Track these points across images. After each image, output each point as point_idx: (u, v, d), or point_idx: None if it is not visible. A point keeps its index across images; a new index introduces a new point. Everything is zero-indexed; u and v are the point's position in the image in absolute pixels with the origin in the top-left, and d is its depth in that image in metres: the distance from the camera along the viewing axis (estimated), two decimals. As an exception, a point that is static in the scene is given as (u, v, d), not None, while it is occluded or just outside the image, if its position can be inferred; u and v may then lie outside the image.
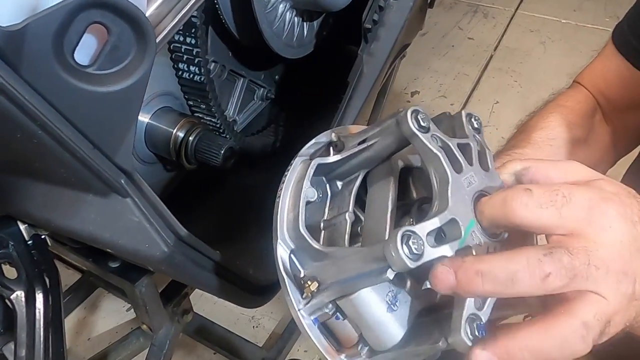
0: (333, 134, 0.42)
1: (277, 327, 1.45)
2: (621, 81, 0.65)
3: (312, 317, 0.35)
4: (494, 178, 0.38)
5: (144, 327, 0.77)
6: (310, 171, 0.39)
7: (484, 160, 0.38)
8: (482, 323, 0.31)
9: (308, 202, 0.38)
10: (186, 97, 0.69)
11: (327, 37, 0.87)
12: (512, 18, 2.69)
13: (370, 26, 0.74)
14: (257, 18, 0.69)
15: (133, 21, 0.39)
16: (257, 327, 1.47)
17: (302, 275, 0.35)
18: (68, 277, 1.45)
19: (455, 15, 2.71)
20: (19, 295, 0.50)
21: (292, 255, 0.36)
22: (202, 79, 0.65)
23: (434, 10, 2.22)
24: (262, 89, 0.93)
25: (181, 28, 0.56)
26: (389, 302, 0.34)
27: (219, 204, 0.53)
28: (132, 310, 1.48)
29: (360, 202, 0.40)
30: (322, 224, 0.39)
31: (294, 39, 0.80)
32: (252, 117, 0.91)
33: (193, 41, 0.62)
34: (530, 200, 0.32)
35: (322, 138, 0.43)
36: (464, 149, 0.37)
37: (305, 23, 0.82)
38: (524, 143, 0.58)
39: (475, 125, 0.40)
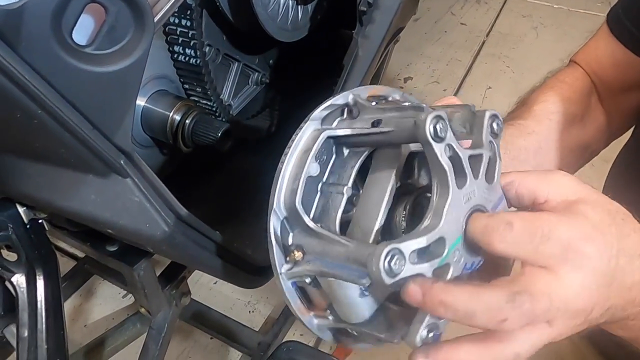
0: (351, 97, 0.40)
1: (273, 311, 1.47)
2: (614, 64, 0.66)
3: (290, 281, 0.37)
4: (495, 191, 0.38)
5: (143, 310, 0.77)
6: (318, 144, 0.37)
7: (491, 172, 0.38)
8: (438, 333, 0.33)
9: (310, 177, 0.37)
10: (182, 80, 0.69)
11: (322, 20, 0.87)
12: (504, 3, 2.69)
13: (365, 9, 0.74)
14: (253, 3, 0.69)
15: (131, 0, 0.39)
16: (253, 312, 1.49)
17: (289, 242, 0.37)
18: (63, 265, 1.45)
19: (448, 1, 2.71)
20: (19, 278, 0.50)
21: (284, 221, 0.37)
22: (198, 62, 0.65)
23: (427, -6, 2.21)
24: (256, 73, 0.93)
25: (176, 10, 0.56)
26: (362, 289, 0.35)
27: (216, 187, 0.54)
28: (128, 297, 1.49)
29: (363, 173, 0.39)
30: (319, 186, 0.38)
31: (289, 22, 0.80)
32: (247, 101, 0.91)
33: (188, 23, 0.61)
34: (509, 235, 0.33)
35: (339, 100, 0.40)
36: (475, 159, 0.37)
37: (299, 6, 0.82)
38: (526, 114, 0.60)
39: (496, 130, 0.38)
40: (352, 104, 0.40)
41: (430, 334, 0.33)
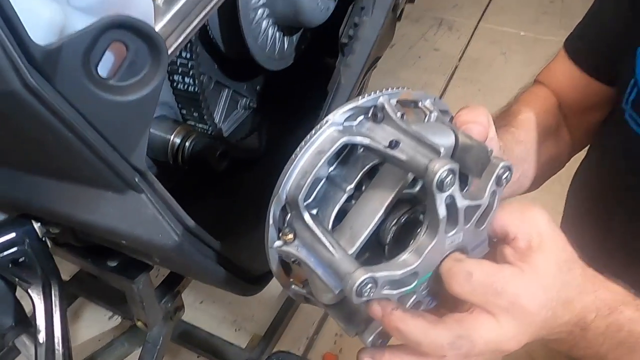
0: (380, 100, 0.40)
1: (259, 329, 1.51)
2: (573, 85, 0.71)
3: (278, 255, 0.42)
4: (481, 234, 0.41)
5: (139, 323, 0.82)
6: (334, 149, 0.38)
7: (483, 219, 0.40)
8: (386, 341, 0.40)
9: (315, 180, 0.39)
10: (180, 106, 0.75)
11: (306, 50, 0.95)
12: (474, 30, 2.84)
13: (346, 41, 0.82)
14: (243, 33, 0.76)
15: (148, 39, 0.46)
16: (239, 330, 1.52)
17: (285, 224, 0.40)
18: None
19: (421, 28, 2.84)
20: (36, 288, 0.55)
21: (285, 206, 0.40)
22: (195, 89, 0.72)
23: (401, 22, 2.33)
24: (244, 98, 1.00)
25: (179, 43, 0.62)
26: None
27: (211, 203, 0.60)
28: (115, 318, 1.51)
29: (370, 172, 0.41)
30: (327, 175, 0.40)
31: (276, 52, 0.88)
32: (237, 124, 0.98)
33: (188, 55, 0.68)
34: (467, 284, 0.38)
35: (368, 102, 0.40)
36: (471, 208, 0.39)
37: (285, 37, 0.90)
38: (514, 122, 0.64)
39: (502, 181, 0.40)
40: (380, 108, 0.40)
41: (380, 340, 0.40)
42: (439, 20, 2.91)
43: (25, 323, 0.61)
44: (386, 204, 0.38)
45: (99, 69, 0.45)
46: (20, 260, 0.57)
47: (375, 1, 0.86)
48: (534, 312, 0.39)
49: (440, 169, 0.35)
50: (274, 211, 0.40)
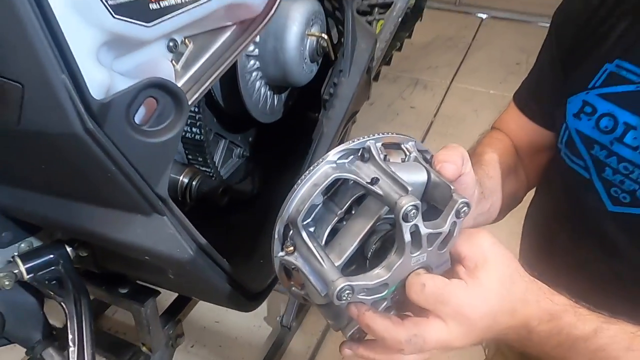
0: (366, 144, 0.49)
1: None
2: (522, 131, 0.83)
3: (281, 263, 0.51)
4: (443, 256, 0.50)
5: (144, 348, 0.91)
6: (327, 183, 0.47)
7: (444, 244, 0.49)
8: (363, 335, 0.52)
9: (312, 206, 0.48)
10: (186, 151, 0.89)
11: (293, 105, 1.11)
12: (448, 89, 3.08)
13: (327, 97, 0.98)
14: (241, 92, 0.91)
15: (174, 95, 0.60)
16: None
17: (287, 239, 0.49)
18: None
19: (398, 87, 3.08)
20: (68, 301, 0.66)
21: (288, 225, 0.49)
22: (201, 138, 0.86)
23: (380, 82, 2.56)
24: (239, 148, 1.15)
25: (190, 100, 0.77)
26: None
27: (212, 235, 0.71)
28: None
29: (359, 200, 0.50)
30: (322, 201, 0.50)
31: (267, 107, 1.03)
32: (232, 170, 1.12)
33: (196, 109, 0.83)
34: (421, 293, 0.48)
35: (358, 145, 0.49)
36: (434, 235, 0.47)
37: (275, 95, 1.06)
38: (482, 161, 0.74)
39: (461, 214, 0.48)
40: (367, 150, 0.49)
41: (357, 335, 0.51)
42: (415, 80, 3.16)
43: (52, 337, 0.71)
44: (367, 228, 0.48)
45: (135, 117, 0.59)
46: (56, 278, 0.68)
47: (352, 65, 1.03)
48: (475, 319, 0.49)
49: (406, 204, 0.44)
50: (278, 229, 0.49)
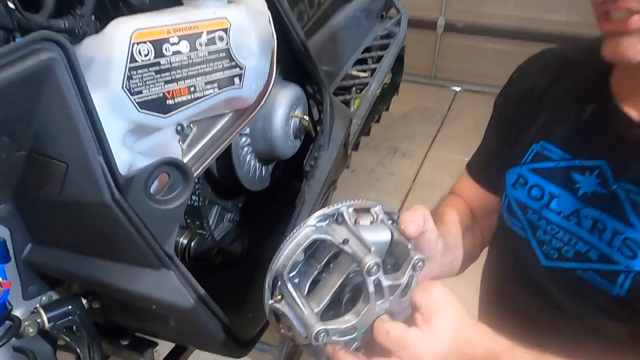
0: (340, 210, 0.59)
1: None
2: (474, 196, 0.97)
3: (271, 309, 0.61)
4: (404, 303, 0.60)
5: (141, 397, 1.00)
6: (307, 243, 0.58)
7: (404, 293, 0.58)
8: None
9: (295, 262, 0.59)
10: (185, 216, 1.03)
11: (279, 175, 1.26)
12: (425, 157, 3.29)
13: (309, 169, 1.14)
14: (234, 165, 1.07)
15: (183, 171, 0.75)
16: None
17: (276, 289, 0.60)
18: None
19: (378, 155, 3.29)
20: (83, 348, 0.77)
21: (276, 277, 0.60)
22: (199, 204, 1.00)
23: (361, 151, 2.76)
24: (230, 213, 1.29)
25: (191, 172, 0.92)
26: None
27: (208, 288, 0.83)
28: None
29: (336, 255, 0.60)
30: (304, 257, 0.60)
31: (256, 177, 1.19)
32: (223, 234, 1.25)
33: (197, 180, 0.98)
34: (386, 338, 0.57)
35: (333, 211, 0.60)
36: (394, 286, 0.57)
37: (263, 167, 1.21)
38: (444, 220, 0.86)
39: (416, 269, 0.58)
40: (340, 215, 0.60)
41: None
42: (394, 148, 3.38)
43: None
44: (340, 281, 0.58)
45: (151, 188, 0.74)
46: (72, 327, 0.79)
47: (330, 140, 1.20)
48: None
49: (369, 262, 0.54)
50: (268, 281, 0.60)
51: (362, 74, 1.90)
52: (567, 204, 0.76)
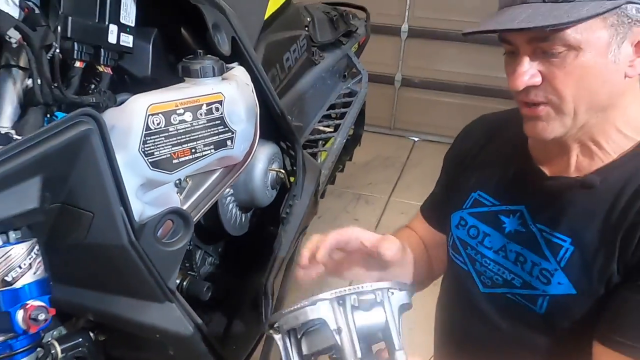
0: (346, 296, 0.69)
1: None
2: (426, 233, 1.16)
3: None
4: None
5: None
6: (305, 320, 0.69)
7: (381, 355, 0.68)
8: None
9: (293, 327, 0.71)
10: (177, 259, 1.17)
11: (257, 222, 1.42)
12: (387, 203, 3.51)
13: (285, 215, 1.31)
14: (219, 213, 1.23)
15: (185, 218, 0.91)
16: None
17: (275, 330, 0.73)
18: None
19: (343, 202, 3.48)
20: (92, 374, 0.90)
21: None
22: (190, 248, 1.15)
23: (326, 199, 2.95)
24: (211, 257, 1.43)
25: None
26: None
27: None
28: None
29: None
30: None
31: (237, 223, 1.35)
32: (205, 276, 1.39)
33: (188, 226, 1.13)
34: None
35: (339, 294, 0.69)
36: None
37: (243, 214, 1.37)
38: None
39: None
40: (342, 297, 0.69)
41: None
42: (357, 195, 3.59)
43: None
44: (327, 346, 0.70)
45: (158, 234, 0.89)
46: (81, 358, 0.91)
47: (303, 191, 1.38)
48: None
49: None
50: (267, 325, 0.73)
51: (327, 129, 2.11)
52: (496, 241, 0.96)
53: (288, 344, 0.73)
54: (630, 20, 0.72)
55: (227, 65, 1.07)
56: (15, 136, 0.71)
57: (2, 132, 0.70)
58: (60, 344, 0.90)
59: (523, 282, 0.91)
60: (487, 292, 0.99)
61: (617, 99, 0.79)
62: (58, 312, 0.94)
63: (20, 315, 0.67)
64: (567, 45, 0.73)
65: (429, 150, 4.26)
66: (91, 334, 0.94)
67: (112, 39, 0.93)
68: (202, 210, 1.00)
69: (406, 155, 4.26)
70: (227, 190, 1.28)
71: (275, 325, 0.73)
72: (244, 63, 1.13)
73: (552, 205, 0.88)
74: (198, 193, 1.03)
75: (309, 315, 0.71)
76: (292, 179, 1.43)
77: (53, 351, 0.90)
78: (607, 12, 0.71)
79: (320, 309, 0.71)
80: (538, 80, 0.77)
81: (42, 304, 0.69)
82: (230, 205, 1.30)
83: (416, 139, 4.64)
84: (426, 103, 4.42)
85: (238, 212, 1.34)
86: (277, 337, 0.74)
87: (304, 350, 0.73)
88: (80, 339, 0.93)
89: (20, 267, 0.68)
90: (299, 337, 0.73)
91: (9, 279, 0.67)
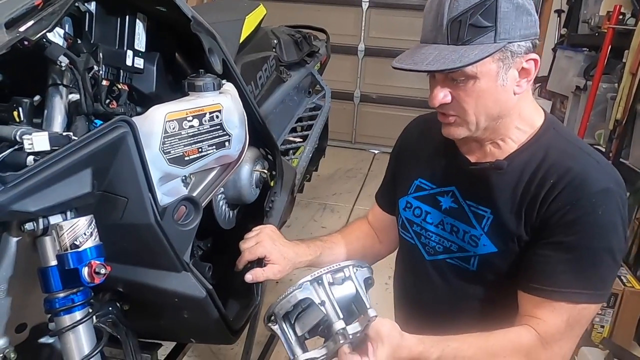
0: (322, 275, 0.98)
1: None
2: (380, 215, 1.48)
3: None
4: (361, 337, 0.96)
5: (146, 392, 1.32)
6: (294, 302, 0.97)
7: (362, 333, 0.94)
8: None
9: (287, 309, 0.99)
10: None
11: (243, 217, 1.67)
12: (351, 211, 3.80)
13: (268, 209, 1.56)
14: (214, 209, 1.47)
15: (196, 204, 1.16)
16: None
17: (272, 321, 1.02)
18: None
19: (310, 211, 3.75)
20: (122, 336, 1.11)
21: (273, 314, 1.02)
22: (191, 236, 1.38)
23: (295, 209, 3.20)
24: (201, 251, 1.66)
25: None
26: None
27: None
28: None
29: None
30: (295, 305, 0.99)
31: (227, 219, 1.59)
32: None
33: (189, 218, 1.37)
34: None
35: (316, 275, 0.99)
36: (355, 333, 0.94)
37: (231, 210, 1.62)
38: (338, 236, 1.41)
39: (371, 320, 0.93)
40: (320, 278, 0.99)
41: None
42: (324, 205, 3.86)
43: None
44: (317, 321, 0.99)
45: (174, 217, 1.13)
46: (112, 321, 1.13)
47: (282, 188, 1.64)
48: None
49: (338, 327, 0.95)
50: (267, 314, 1.04)
51: (297, 139, 2.38)
52: (435, 217, 1.24)
53: (285, 329, 0.98)
54: (512, 54, 1.02)
55: (219, 82, 1.33)
56: (73, 137, 0.94)
57: (64, 134, 0.93)
58: (95, 312, 1.12)
59: (458, 247, 1.19)
60: (431, 260, 1.27)
61: (509, 110, 1.09)
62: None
63: (85, 271, 0.89)
64: (467, 76, 1.02)
65: (389, 161, 4.61)
66: (118, 304, 1.16)
67: (129, 62, 1.18)
68: (204, 202, 1.24)
69: (367, 167, 4.57)
70: (219, 189, 1.53)
71: (272, 318, 0.98)
72: (231, 80, 1.39)
73: (476, 184, 1.17)
74: (200, 187, 1.27)
75: (298, 296, 0.99)
76: (272, 183, 1.69)
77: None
78: (493, 53, 0.99)
79: (304, 289, 0.99)
80: (448, 99, 1.07)
81: (102, 262, 0.91)
82: (221, 202, 1.54)
83: (376, 152, 4.97)
84: (384, 117, 4.78)
85: (227, 209, 1.58)
86: (275, 327, 0.99)
87: (299, 332, 1.00)
88: (110, 308, 1.15)
89: (85, 235, 0.90)
90: (292, 322, 1.00)
91: (77, 242, 0.89)
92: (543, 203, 1.05)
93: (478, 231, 1.15)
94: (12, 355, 0.97)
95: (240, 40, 1.93)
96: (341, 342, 0.94)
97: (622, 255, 1.08)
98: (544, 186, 1.05)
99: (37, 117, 1.02)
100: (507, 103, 1.07)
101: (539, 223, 1.07)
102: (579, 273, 1.03)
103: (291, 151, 2.32)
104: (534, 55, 1.04)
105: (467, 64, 0.97)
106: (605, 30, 3.40)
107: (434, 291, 1.28)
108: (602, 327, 2.51)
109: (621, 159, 3.13)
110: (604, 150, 3.22)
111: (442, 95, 1.06)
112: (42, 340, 1.10)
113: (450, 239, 1.21)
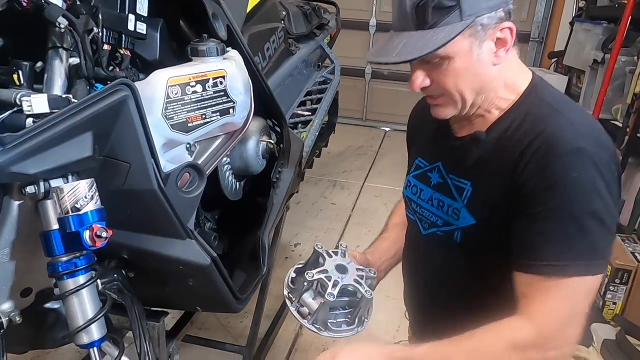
0: (323, 252, 1.18)
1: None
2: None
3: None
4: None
5: (152, 361, 1.33)
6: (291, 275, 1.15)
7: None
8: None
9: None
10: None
11: (250, 189, 1.66)
12: (362, 188, 3.78)
13: (275, 180, 1.55)
14: (220, 179, 1.46)
15: (200, 171, 1.15)
16: None
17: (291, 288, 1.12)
18: None
19: (320, 188, 3.74)
20: (127, 303, 1.11)
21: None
22: (197, 206, 1.38)
23: (305, 185, 3.19)
24: (209, 223, 1.66)
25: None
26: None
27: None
28: None
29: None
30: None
31: (234, 190, 1.58)
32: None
33: (195, 187, 1.36)
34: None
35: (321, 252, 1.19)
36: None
37: (238, 182, 1.61)
38: (386, 229, 1.41)
39: (368, 281, 1.20)
40: (323, 255, 1.19)
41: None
42: (334, 182, 3.85)
43: (111, 331, 1.14)
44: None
45: (178, 183, 1.12)
46: (118, 288, 1.13)
47: (289, 160, 1.62)
48: None
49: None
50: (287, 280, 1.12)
51: (305, 113, 2.36)
52: (427, 194, 1.22)
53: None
54: (484, 28, 0.98)
55: (224, 49, 1.30)
56: (73, 100, 0.92)
57: (64, 96, 0.92)
58: (100, 279, 1.12)
59: (444, 221, 1.17)
60: (426, 234, 1.26)
61: (492, 81, 1.06)
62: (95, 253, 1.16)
63: (87, 234, 0.88)
64: (441, 57, 0.99)
65: (400, 139, 4.52)
66: (124, 272, 1.16)
67: (131, 26, 1.16)
68: (209, 171, 1.23)
69: (378, 145, 4.54)
70: (225, 159, 1.51)
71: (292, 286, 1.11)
72: (237, 47, 1.36)
73: (457, 158, 1.15)
74: (205, 156, 1.26)
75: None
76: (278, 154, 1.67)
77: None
78: (462, 32, 0.96)
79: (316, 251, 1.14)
80: (427, 82, 1.05)
81: (103, 226, 0.90)
82: (228, 173, 1.53)
83: (387, 129, 4.92)
84: (396, 94, 4.72)
85: (234, 180, 1.57)
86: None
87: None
88: (116, 275, 1.15)
89: (86, 198, 0.89)
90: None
91: (78, 206, 0.89)
92: (516, 173, 1.01)
93: (459, 204, 1.13)
94: (18, 319, 0.98)
95: (247, 10, 1.90)
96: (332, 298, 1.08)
97: (615, 220, 1.01)
98: (515, 154, 1.01)
99: (39, 84, 1.02)
100: (488, 76, 1.04)
101: (515, 194, 1.03)
102: (566, 243, 0.97)
103: (300, 125, 2.29)
104: (509, 24, 1.00)
105: (436, 49, 0.95)
106: (626, 2, 3.30)
107: (427, 265, 1.27)
108: (615, 304, 2.48)
109: (639, 134, 3.06)
110: (621, 126, 3.15)
111: (421, 79, 1.04)
112: (48, 305, 1.10)
113: (437, 213, 1.20)
